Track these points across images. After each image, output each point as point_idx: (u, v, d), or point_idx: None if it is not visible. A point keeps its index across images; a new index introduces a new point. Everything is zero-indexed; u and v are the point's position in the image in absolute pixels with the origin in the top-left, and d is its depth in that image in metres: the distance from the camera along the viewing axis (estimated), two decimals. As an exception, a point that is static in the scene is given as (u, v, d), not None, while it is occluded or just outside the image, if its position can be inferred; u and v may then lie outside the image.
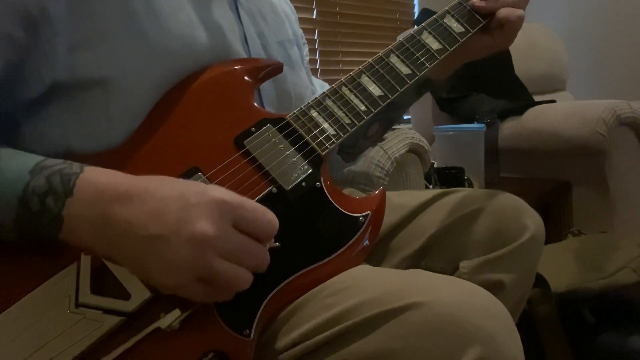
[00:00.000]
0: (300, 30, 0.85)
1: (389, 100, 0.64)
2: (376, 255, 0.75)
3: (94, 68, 0.52)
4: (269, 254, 0.47)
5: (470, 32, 0.72)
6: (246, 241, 0.45)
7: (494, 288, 0.68)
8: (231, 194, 0.45)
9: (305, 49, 0.86)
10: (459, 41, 0.71)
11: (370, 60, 0.67)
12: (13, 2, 0.49)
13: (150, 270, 0.44)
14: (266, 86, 0.66)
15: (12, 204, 0.44)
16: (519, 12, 0.72)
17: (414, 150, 1.20)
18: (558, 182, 1.71)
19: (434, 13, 0.73)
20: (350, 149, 0.92)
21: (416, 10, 2.66)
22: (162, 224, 0.43)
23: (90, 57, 0.52)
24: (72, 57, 0.52)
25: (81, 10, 0.52)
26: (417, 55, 0.68)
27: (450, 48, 0.70)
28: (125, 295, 0.46)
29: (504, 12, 0.72)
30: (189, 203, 0.43)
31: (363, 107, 0.63)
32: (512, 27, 0.73)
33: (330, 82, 0.97)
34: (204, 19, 0.60)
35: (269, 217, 0.47)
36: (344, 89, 0.64)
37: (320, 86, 0.90)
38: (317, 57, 2.18)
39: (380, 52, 0.67)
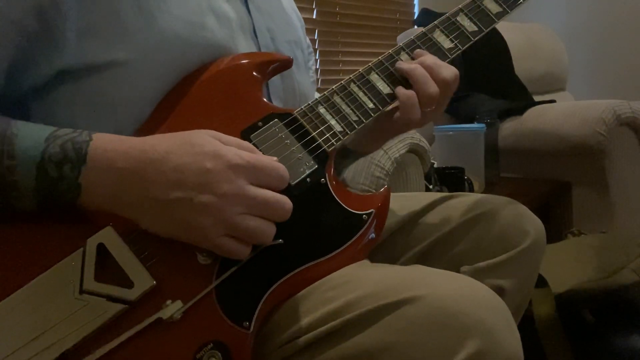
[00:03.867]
0: (308, 41, 0.84)
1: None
2: (376, 259, 0.74)
3: (102, 53, 0.53)
4: (288, 203, 0.50)
5: (484, 31, 0.70)
6: (263, 195, 0.48)
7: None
8: (240, 154, 0.48)
9: (311, 59, 0.85)
10: (472, 40, 0.69)
11: (380, 58, 0.66)
12: None
13: (177, 233, 0.48)
14: (274, 79, 0.66)
15: (31, 171, 0.46)
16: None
17: (414, 150, 1.20)
18: (558, 182, 1.71)
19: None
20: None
21: (416, 10, 2.66)
22: (183, 190, 0.46)
23: (99, 42, 0.53)
24: (82, 43, 0.52)
25: None
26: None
27: (463, 47, 0.69)
28: (129, 284, 0.46)
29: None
30: (205, 168, 0.46)
31: (371, 105, 0.62)
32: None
33: (330, 82, 0.97)
34: (213, 8, 0.60)
35: (279, 172, 0.50)
36: (352, 85, 0.63)
37: None
38: (317, 57, 2.17)
39: (391, 50, 0.67)
